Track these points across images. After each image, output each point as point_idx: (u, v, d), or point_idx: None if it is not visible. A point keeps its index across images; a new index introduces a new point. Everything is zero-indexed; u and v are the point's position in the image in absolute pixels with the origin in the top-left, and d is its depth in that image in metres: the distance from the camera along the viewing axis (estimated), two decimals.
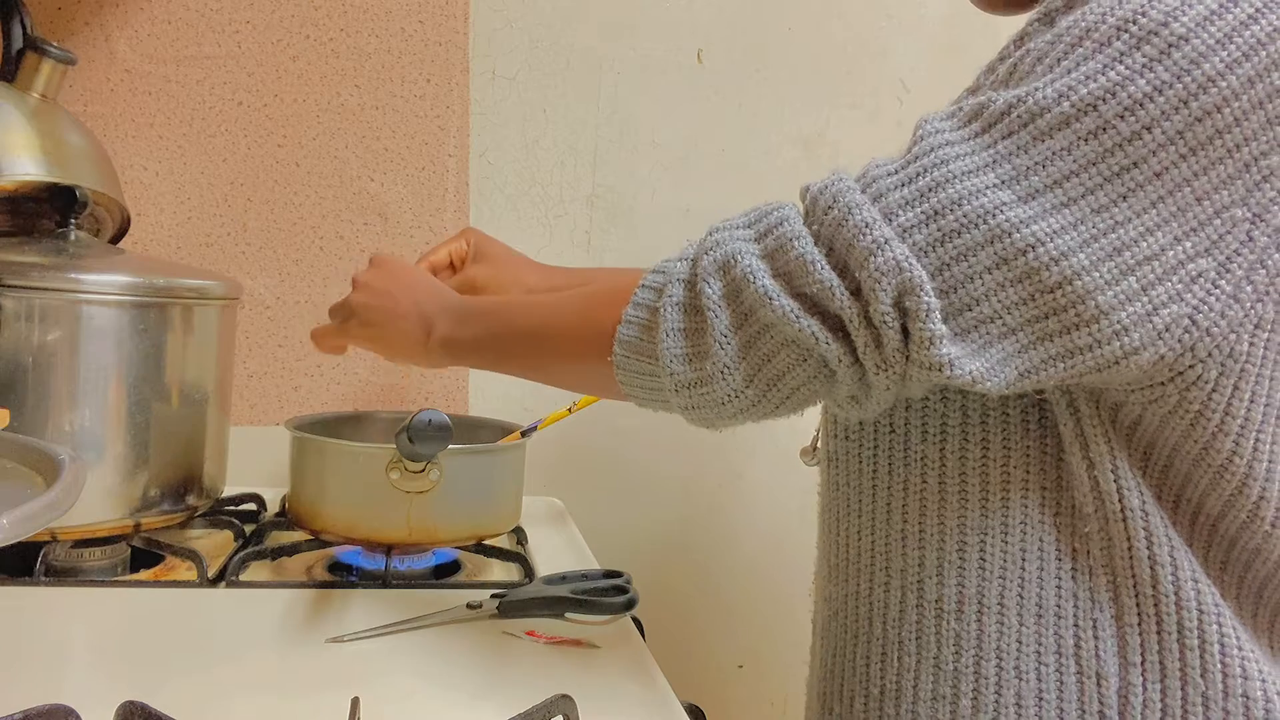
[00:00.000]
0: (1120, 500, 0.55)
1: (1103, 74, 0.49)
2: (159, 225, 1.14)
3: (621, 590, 0.81)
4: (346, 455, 0.86)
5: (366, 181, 1.18)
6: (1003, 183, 0.50)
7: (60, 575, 0.82)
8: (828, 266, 0.51)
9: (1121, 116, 0.48)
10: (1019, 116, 0.50)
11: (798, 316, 0.51)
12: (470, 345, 0.72)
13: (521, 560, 0.89)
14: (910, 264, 0.49)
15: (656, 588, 1.22)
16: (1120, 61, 0.49)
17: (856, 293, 0.51)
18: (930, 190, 0.50)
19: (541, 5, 1.21)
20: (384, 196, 1.19)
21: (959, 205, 0.49)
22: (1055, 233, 0.48)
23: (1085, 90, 0.49)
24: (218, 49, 1.14)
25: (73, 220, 0.89)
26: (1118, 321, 0.48)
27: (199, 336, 0.90)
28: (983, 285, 0.49)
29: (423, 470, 0.83)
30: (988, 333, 0.50)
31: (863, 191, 0.52)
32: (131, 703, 0.53)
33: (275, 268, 1.17)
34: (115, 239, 1.01)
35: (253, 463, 1.06)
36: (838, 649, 0.67)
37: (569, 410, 0.96)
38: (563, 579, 0.82)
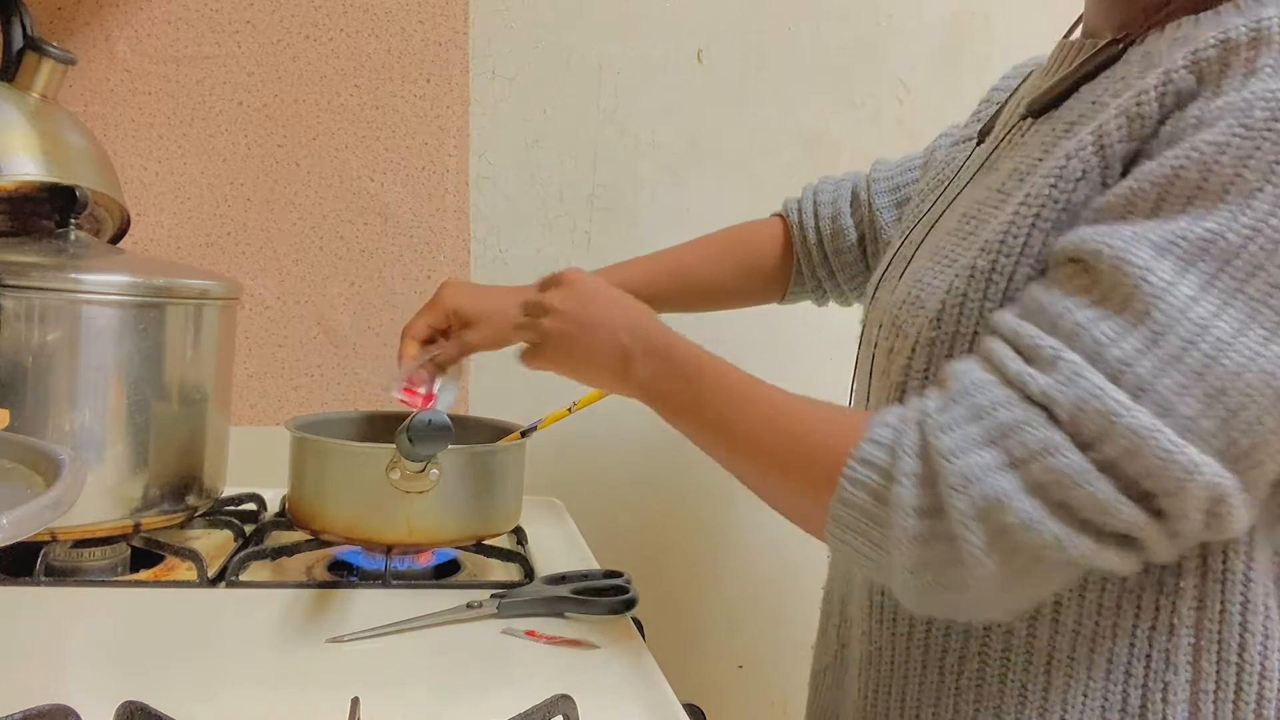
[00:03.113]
0: (1224, 561, 0.54)
1: None
2: (159, 225, 1.14)
3: (621, 590, 0.81)
4: (346, 455, 0.86)
5: (366, 181, 1.18)
6: (1272, 335, 0.47)
7: (60, 575, 0.82)
8: (1129, 502, 0.48)
9: None
10: (1252, 255, 0.47)
11: (1078, 543, 0.48)
12: (664, 401, 0.68)
13: (521, 560, 0.89)
14: (1221, 478, 0.47)
15: (657, 588, 1.21)
16: None
17: (1158, 513, 0.48)
18: (1205, 369, 0.47)
19: (541, 5, 1.21)
20: (384, 196, 1.19)
21: (1239, 376, 0.47)
22: None
23: None
24: (218, 49, 1.14)
25: (73, 220, 0.89)
26: None
27: (199, 336, 0.90)
28: (1273, 444, 0.48)
29: (423, 470, 0.82)
30: (1267, 473, 0.49)
31: (1115, 383, 0.48)
32: (131, 703, 0.53)
33: (275, 268, 1.17)
34: (115, 239, 1.00)
35: (253, 463, 1.05)
36: (880, 685, 0.66)
37: (569, 410, 0.95)
38: (563, 579, 0.82)
